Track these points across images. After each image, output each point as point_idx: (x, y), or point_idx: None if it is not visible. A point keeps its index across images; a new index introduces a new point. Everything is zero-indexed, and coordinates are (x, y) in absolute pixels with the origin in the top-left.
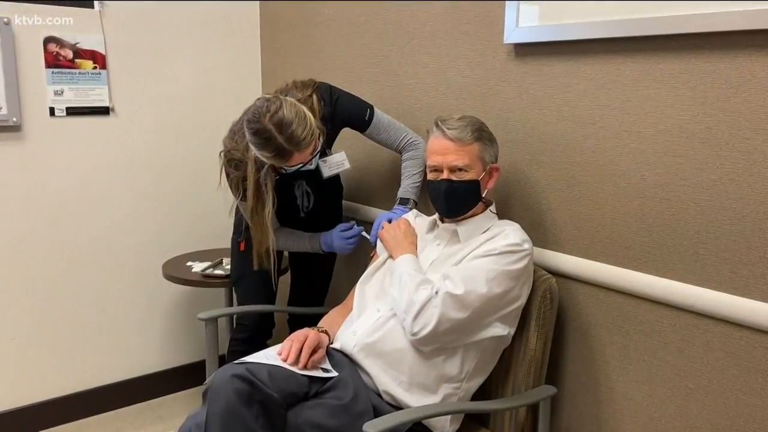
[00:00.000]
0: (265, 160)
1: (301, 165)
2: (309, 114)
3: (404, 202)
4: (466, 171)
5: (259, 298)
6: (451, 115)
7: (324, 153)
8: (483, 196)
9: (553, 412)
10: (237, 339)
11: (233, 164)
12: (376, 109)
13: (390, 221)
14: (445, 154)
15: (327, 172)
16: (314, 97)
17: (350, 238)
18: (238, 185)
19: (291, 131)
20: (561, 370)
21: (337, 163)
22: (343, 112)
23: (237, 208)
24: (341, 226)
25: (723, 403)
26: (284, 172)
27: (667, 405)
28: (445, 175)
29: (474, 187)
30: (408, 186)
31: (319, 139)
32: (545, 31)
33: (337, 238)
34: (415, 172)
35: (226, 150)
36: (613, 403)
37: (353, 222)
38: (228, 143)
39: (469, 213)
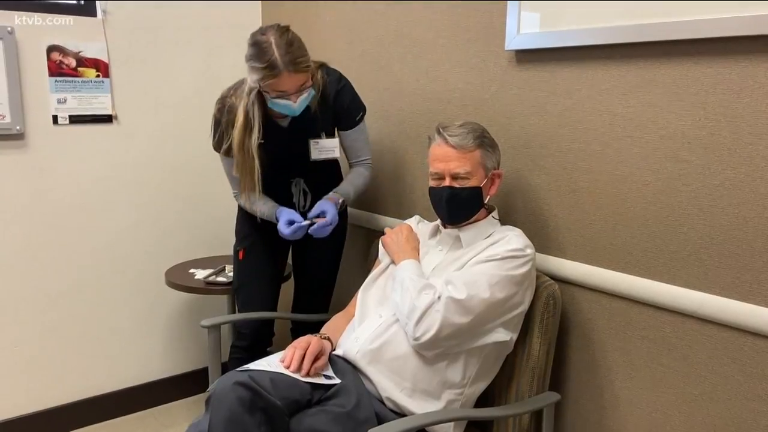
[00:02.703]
0: (254, 75)
1: (286, 95)
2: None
3: (343, 196)
4: (467, 178)
5: (259, 306)
6: (453, 122)
7: (318, 136)
8: (485, 202)
9: (556, 419)
10: (237, 347)
11: (226, 108)
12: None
13: (323, 213)
14: (447, 161)
15: (316, 155)
16: (320, 71)
17: (292, 226)
18: (227, 130)
19: (291, 49)
20: (564, 377)
21: (328, 148)
22: (343, 100)
23: (239, 216)
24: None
25: (728, 409)
26: (269, 105)
27: (672, 411)
28: (447, 182)
29: (475, 193)
30: (350, 188)
31: (312, 79)
32: (546, 37)
33: (283, 223)
34: (360, 184)
35: (221, 97)
36: (617, 409)
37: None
38: (225, 92)
39: (472, 219)
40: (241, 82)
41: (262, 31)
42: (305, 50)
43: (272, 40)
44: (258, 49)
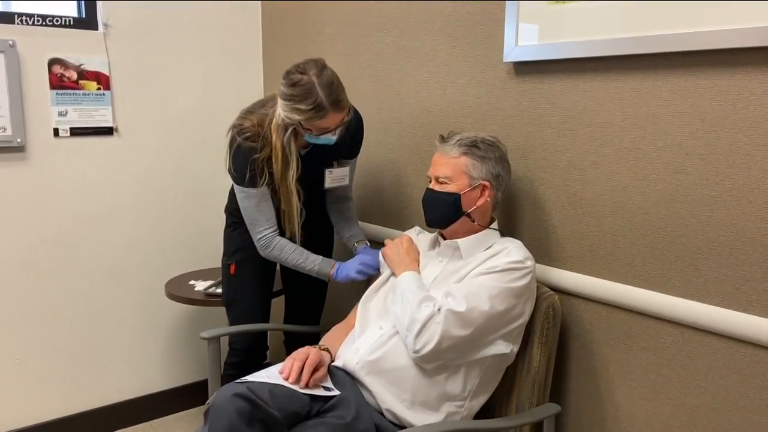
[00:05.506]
0: (296, 116)
1: (326, 132)
2: None
3: (363, 243)
4: (446, 183)
5: (252, 321)
6: (455, 132)
7: (332, 165)
8: (467, 211)
9: (557, 430)
10: (229, 363)
11: (260, 141)
12: None
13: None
14: (435, 165)
15: (329, 182)
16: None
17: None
18: (263, 169)
19: (333, 88)
20: (565, 388)
21: (339, 177)
22: (357, 133)
23: (228, 229)
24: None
25: (728, 420)
26: (306, 138)
27: (672, 422)
28: (431, 184)
29: (452, 199)
30: (359, 231)
31: (348, 112)
32: (545, 49)
33: (358, 264)
34: (354, 222)
35: (242, 127)
36: (618, 420)
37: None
38: (242, 122)
39: (456, 226)
40: (262, 113)
41: (300, 69)
42: (342, 86)
43: (314, 80)
44: (301, 90)
